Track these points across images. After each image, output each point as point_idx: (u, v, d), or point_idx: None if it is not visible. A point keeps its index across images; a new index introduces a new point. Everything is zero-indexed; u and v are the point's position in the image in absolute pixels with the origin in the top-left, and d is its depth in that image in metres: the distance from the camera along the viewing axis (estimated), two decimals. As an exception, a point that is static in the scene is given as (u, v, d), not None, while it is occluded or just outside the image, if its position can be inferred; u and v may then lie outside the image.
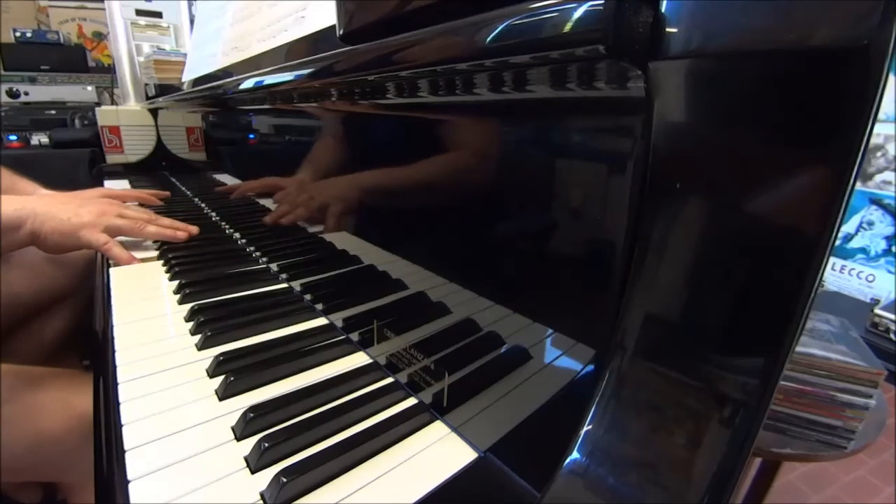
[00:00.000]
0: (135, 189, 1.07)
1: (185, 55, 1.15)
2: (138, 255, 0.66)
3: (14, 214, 0.58)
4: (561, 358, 0.27)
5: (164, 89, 1.29)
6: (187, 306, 0.50)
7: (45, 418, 0.53)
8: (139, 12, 1.40)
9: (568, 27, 0.18)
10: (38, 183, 0.89)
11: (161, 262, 0.65)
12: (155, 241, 0.71)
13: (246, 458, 0.30)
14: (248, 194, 0.74)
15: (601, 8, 0.17)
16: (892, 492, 1.24)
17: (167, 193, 1.01)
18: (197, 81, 0.89)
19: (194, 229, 0.73)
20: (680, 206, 0.20)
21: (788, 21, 0.16)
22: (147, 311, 0.51)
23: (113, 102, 1.73)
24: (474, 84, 0.28)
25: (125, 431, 0.32)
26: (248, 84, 0.50)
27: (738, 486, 0.19)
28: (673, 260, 0.20)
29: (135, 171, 1.33)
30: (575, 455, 0.22)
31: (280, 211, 0.61)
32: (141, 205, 0.92)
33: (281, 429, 0.32)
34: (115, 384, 0.37)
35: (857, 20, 0.14)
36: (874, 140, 1.84)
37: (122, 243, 0.65)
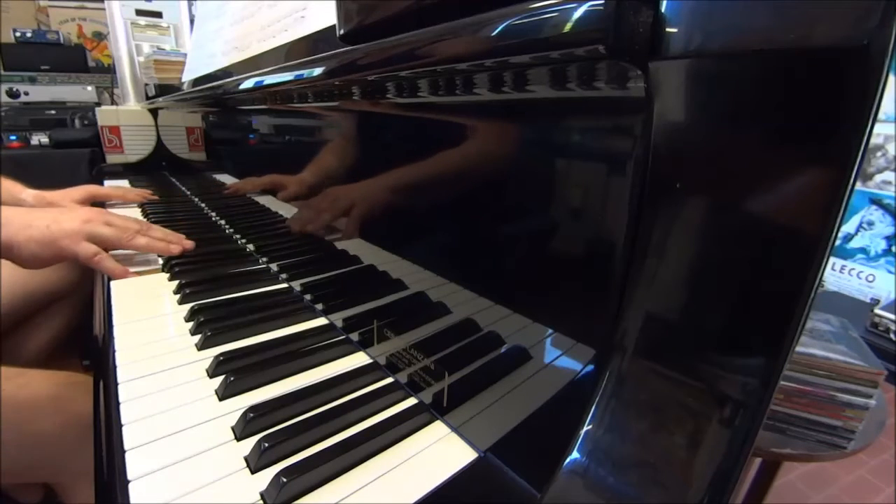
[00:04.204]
0: (121, 188, 1.05)
1: (185, 55, 1.15)
2: (138, 268, 0.61)
3: None
4: (561, 358, 0.27)
5: (164, 89, 1.28)
6: (187, 306, 0.50)
7: (40, 420, 0.53)
8: (139, 12, 1.40)
9: (568, 27, 0.18)
10: (28, 185, 0.86)
11: (161, 262, 0.65)
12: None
13: (246, 458, 0.30)
14: (249, 192, 0.74)
15: (601, 8, 0.17)
16: (892, 492, 1.24)
17: (150, 193, 1.02)
18: (197, 81, 0.89)
19: (189, 244, 0.65)
20: (680, 206, 0.20)
21: (788, 21, 0.16)
22: (147, 310, 0.51)
23: (113, 102, 1.73)
24: (474, 84, 0.28)
25: (125, 431, 0.32)
26: (248, 84, 0.50)
27: (738, 486, 0.19)
28: (673, 260, 0.20)
29: (135, 171, 1.33)
30: (575, 455, 0.22)
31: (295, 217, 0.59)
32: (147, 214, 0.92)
33: (281, 429, 0.32)
34: (115, 384, 0.37)
35: (857, 20, 0.14)
36: (874, 140, 1.84)
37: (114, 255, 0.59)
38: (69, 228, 0.56)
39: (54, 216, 0.57)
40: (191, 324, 0.47)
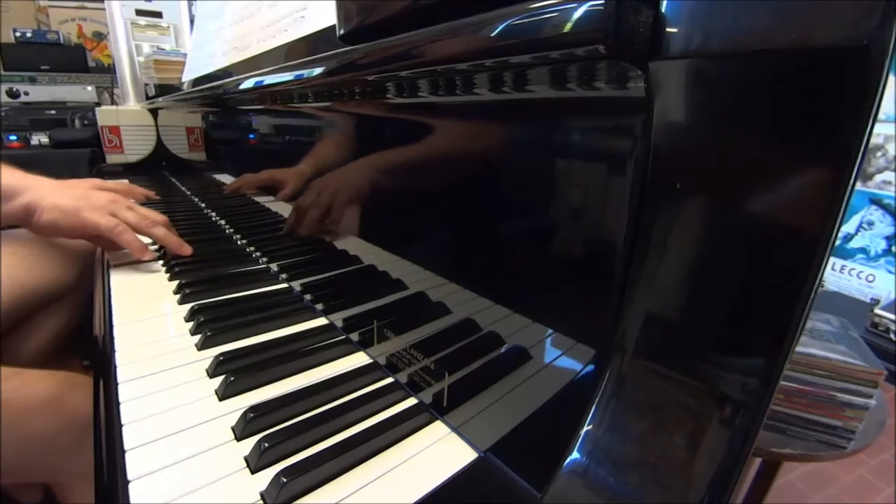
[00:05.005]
0: (123, 183, 1.05)
1: (185, 55, 1.15)
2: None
3: (8, 182, 0.53)
4: (561, 358, 0.27)
5: (164, 89, 1.29)
6: (187, 306, 0.50)
7: (37, 421, 0.52)
8: (139, 12, 1.40)
9: (568, 27, 0.18)
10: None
11: (161, 262, 0.65)
12: (154, 243, 0.70)
13: (246, 458, 0.30)
14: (247, 191, 0.74)
15: (601, 8, 0.17)
16: (892, 492, 1.24)
17: (153, 193, 1.01)
18: (197, 81, 0.89)
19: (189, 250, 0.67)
20: (680, 206, 0.20)
21: (788, 21, 0.16)
22: (147, 310, 0.51)
23: (113, 102, 1.73)
24: (474, 84, 0.28)
25: (125, 431, 0.32)
26: (248, 84, 0.50)
27: (738, 486, 0.19)
28: (673, 260, 0.20)
29: (135, 171, 1.33)
30: (575, 455, 0.22)
31: (294, 217, 0.59)
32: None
33: (281, 429, 0.32)
34: (116, 384, 0.37)
35: (857, 20, 0.14)
36: (874, 140, 1.84)
37: None
38: (96, 201, 0.58)
39: (83, 191, 0.59)
40: (191, 324, 0.47)
